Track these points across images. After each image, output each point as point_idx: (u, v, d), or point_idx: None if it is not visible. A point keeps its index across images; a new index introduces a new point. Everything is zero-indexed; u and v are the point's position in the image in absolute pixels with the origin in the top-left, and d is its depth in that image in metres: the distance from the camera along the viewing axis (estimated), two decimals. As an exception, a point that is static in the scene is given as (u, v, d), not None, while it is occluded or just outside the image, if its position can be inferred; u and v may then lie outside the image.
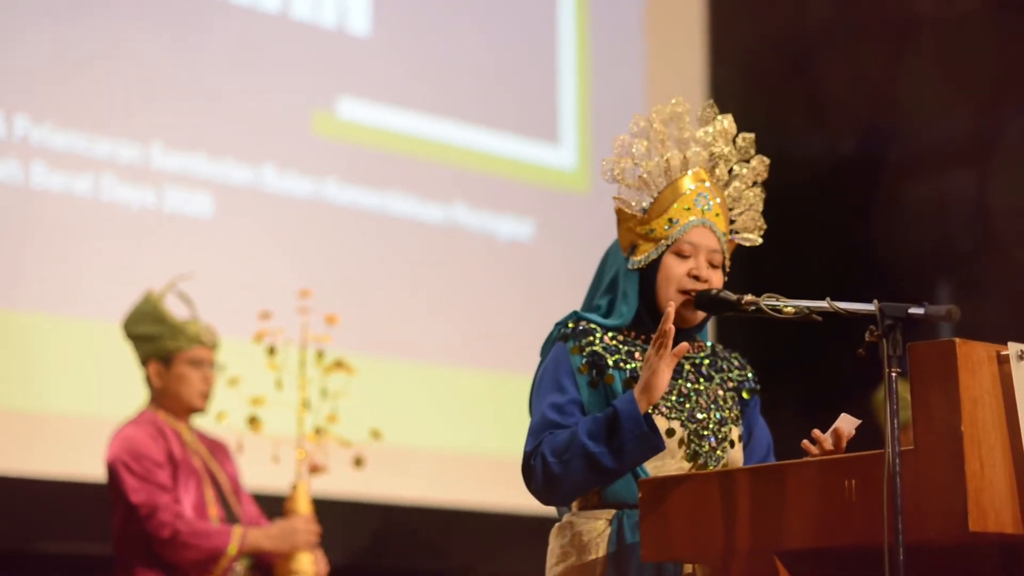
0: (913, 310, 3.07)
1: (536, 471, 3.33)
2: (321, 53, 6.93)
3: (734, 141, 3.57)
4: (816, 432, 3.36)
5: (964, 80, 8.45)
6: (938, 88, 8.57)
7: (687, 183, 3.49)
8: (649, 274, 3.47)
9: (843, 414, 3.37)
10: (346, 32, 7.03)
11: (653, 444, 3.29)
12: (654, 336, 3.30)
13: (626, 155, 3.52)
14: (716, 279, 3.47)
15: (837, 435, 3.36)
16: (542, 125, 7.70)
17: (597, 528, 3.40)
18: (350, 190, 6.94)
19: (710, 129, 3.55)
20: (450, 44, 7.39)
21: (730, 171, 3.57)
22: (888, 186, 8.79)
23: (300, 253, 6.75)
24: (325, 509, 5.34)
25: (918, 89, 8.64)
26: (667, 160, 3.50)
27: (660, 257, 3.46)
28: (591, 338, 3.44)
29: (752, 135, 3.60)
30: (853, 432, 3.36)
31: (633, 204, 3.50)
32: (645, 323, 3.48)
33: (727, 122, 3.57)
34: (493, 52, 7.55)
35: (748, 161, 3.59)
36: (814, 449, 3.35)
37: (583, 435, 3.30)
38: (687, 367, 3.50)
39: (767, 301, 3.31)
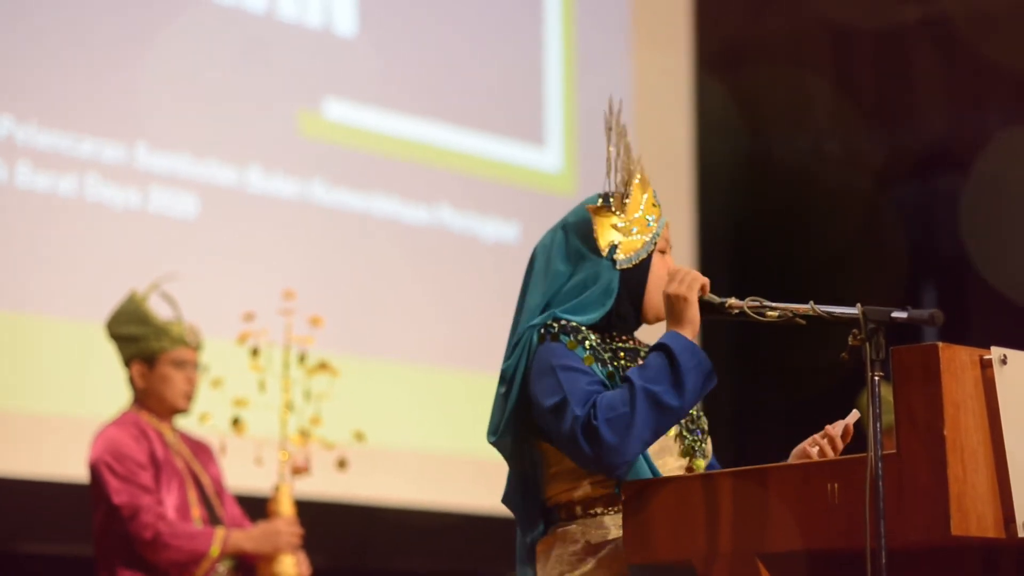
0: (896, 314, 3.06)
1: (600, 429, 3.20)
2: (307, 54, 6.92)
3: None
4: (829, 429, 3.39)
5: (949, 83, 8.46)
6: (923, 91, 8.57)
7: (646, 182, 3.49)
8: (637, 274, 3.45)
9: (855, 411, 3.39)
10: (332, 33, 7.02)
11: (710, 373, 3.27)
12: (682, 279, 3.30)
13: (617, 156, 3.50)
14: None
15: (846, 431, 3.39)
16: (528, 127, 7.70)
17: (610, 533, 3.33)
18: (335, 191, 6.93)
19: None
20: (437, 46, 7.38)
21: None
22: (873, 188, 8.81)
23: (285, 254, 6.74)
24: (308, 511, 5.33)
25: (903, 91, 8.65)
26: (637, 159, 3.49)
27: (649, 256, 3.46)
28: (581, 335, 3.37)
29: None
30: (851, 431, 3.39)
31: (617, 202, 3.48)
32: (613, 323, 3.45)
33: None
34: (480, 54, 7.54)
35: None
36: (824, 443, 3.38)
37: (639, 380, 3.22)
38: None
39: (751, 304, 3.30)
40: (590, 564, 3.33)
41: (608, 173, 3.49)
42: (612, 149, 3.48)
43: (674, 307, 3.32)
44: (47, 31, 6.17)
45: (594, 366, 3.33)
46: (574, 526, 3.37)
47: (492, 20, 7.64)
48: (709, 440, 3.49)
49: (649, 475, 3.30)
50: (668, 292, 3.32)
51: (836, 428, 3.40)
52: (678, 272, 3.34)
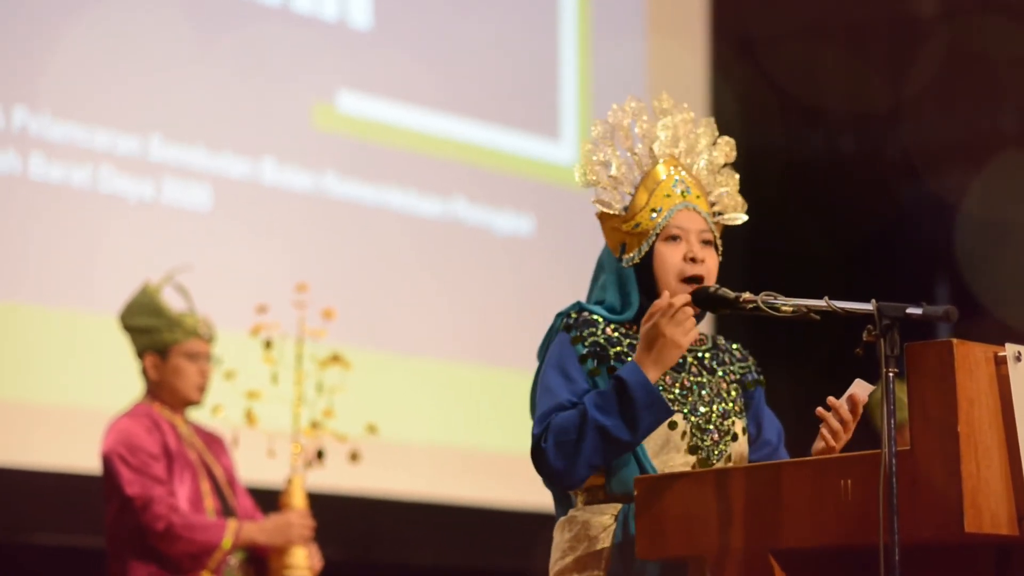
0: (911, 310, 3.06)
1: (548, 453, 3.30)
2: (322, 46, 6.92)
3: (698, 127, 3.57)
4: (831, 399, 3.38)
5: (965, 80, 8.44)
6: (939, 87, 8.55)
7: (660, 172, 3.49)
8: (646, 267, 3.46)
9: (857, 379, 3.37)
10: (347, 25, 7.02)
11: (664, 409, 3.29)
12: (653, 311, 3.29)
13: (597, 157, 3.50)
14: (711, 258, 3.46)
15: (852, 402, 3.37)
16: (542, 120, 7.69)
17: (604, 522, 3.36)
18: (349, 184, 6.93)
19: (668, 121, 3.53)
20: (451, 38, 7.38)
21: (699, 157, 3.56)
22: (888, 185, 8.79)
23: (298, 247, 6.74)
24: (320, 503, 5.33)
25: (919, 86, 8.64)
26: (635, 154, 3.49)
27: (652, 248, 3.45)
28: (593, 329, 3.42)
29: (712, 118, 3.59)
30: (867, 398, 3.36)
31: (614, 204, 3.49)
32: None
33: (690, 113, 3.56)
34: (494, 47, 7.54)
35: (715, 144, 3.58)
36: (829, 416, 3.36)
37: (592, 410, 3.28)
38: (690, 360, 3.47)
39: (765, 299, 3.29)
40: (578, 552, 3.37)
41: (578, 179, 3.51)
42: (597, 156, 3.50)
43: (653, 341, 3.30)
44: (61, 22, 6.18)
45: (588, 363, 3.39)
46: (576, 512, 3.42)
47: (506, 13, 7.63)
48: (734, 444, 3.46)
49: (637, 472, 3.34)
50: (655, 324, 3.30)
51: (840, 402, 3.38)
52: (679, 314, 3.30)
